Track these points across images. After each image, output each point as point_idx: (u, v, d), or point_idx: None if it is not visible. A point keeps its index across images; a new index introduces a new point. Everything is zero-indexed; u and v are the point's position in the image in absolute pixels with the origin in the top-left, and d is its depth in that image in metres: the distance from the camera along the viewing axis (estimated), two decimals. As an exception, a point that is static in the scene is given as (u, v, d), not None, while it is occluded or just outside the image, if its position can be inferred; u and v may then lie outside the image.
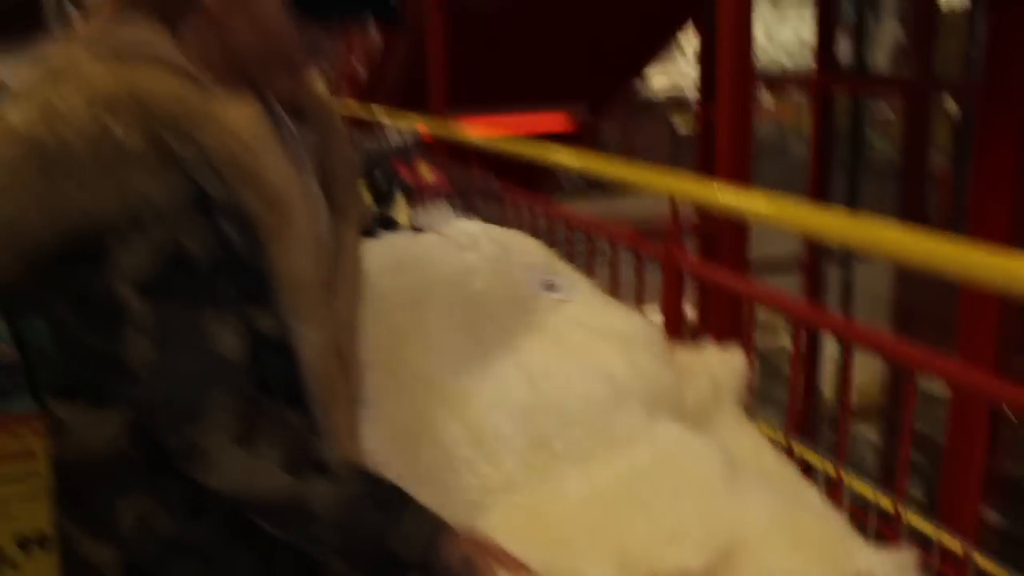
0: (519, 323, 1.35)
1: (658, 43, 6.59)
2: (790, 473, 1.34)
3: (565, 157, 2.92)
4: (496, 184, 3.12)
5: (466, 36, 5.29)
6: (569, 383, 1.26)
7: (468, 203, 3.18)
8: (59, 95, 0.87)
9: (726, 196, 2.11)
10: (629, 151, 12.33)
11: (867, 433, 6.21)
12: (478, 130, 3.86)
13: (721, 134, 2.87)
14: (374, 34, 1.03)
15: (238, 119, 0.93)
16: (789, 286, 5.11)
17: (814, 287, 5.69)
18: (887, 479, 4.61)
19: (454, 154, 3.93)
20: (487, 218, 2.88)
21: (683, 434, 1.24)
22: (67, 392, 0.99)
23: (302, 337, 0.97)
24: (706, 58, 6.29)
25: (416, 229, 2.50)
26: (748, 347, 1.73)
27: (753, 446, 1.41)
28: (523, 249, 1.52)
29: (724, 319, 2.42)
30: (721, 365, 1.51)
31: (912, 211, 5.64)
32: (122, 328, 0.89)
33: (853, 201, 6.11)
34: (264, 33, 0.96)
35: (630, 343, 1.37)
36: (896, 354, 1.65)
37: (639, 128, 13.40)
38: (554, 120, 6.64)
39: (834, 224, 1.82)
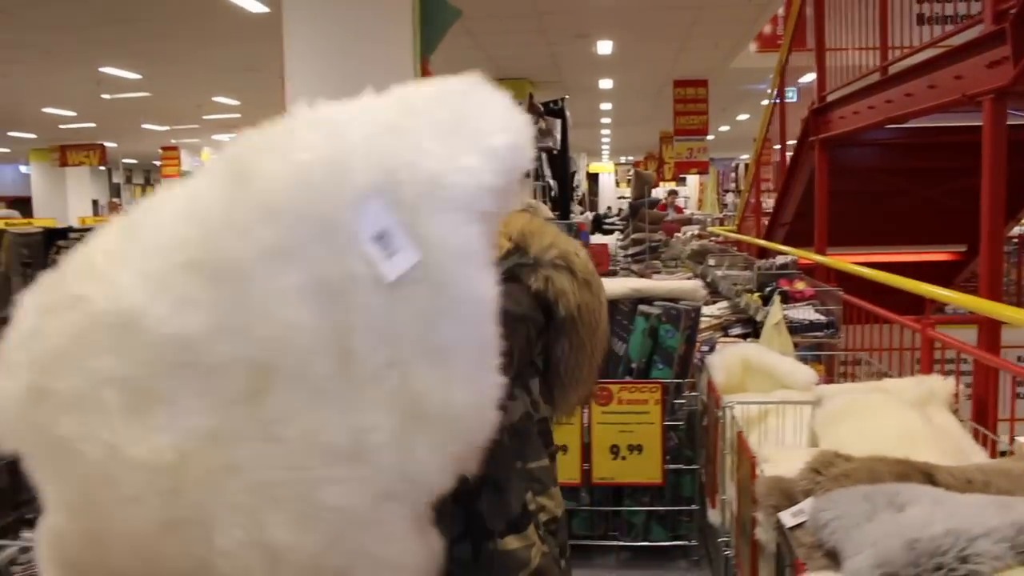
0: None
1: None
2: (953, 425, 2.62)
3: (909, 284, 4.11)
4: (839, 295, 4.43)
5: (848, 185, 6.61)
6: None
7: (827, 309, 4.56)
8: None
9: None
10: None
11: None
12: (839, 261, 5.20)
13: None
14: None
15: None
16: None
17: None
18: None
19: (830, 278, 5.31)
20: (834, 314, 4.30)
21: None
22: None
23: None
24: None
25: (790, 320, 4.06)
26: None
27: (946, 421, 2.71)
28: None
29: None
30: (938, 383, 2.83)
31: None
32: None
33: None
34: None
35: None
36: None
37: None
38: (933, 256, 7.60)
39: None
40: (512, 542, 1.42)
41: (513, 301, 1.30)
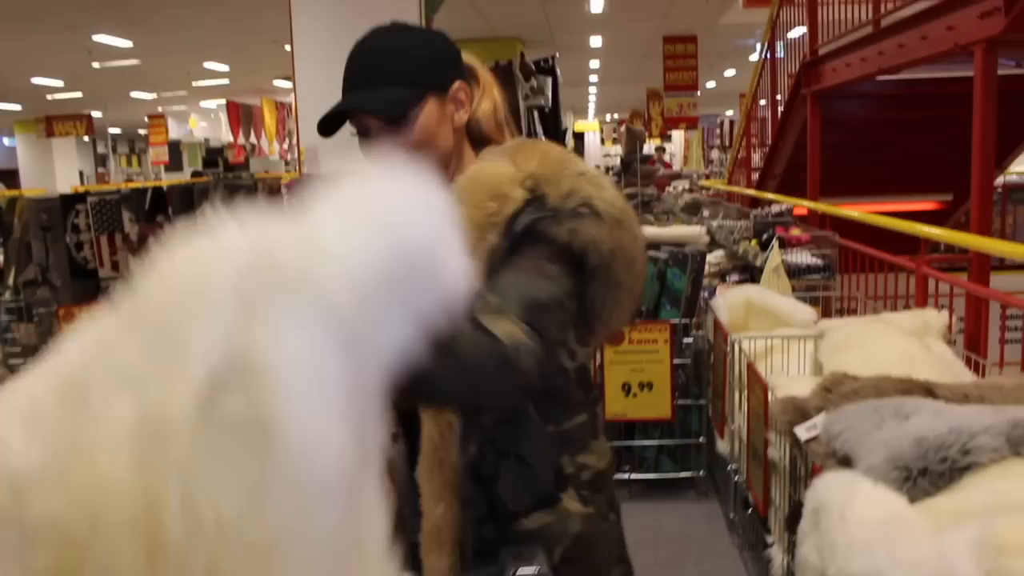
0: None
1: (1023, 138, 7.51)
2: (947, 353, 2.82)
3: (902, 225, 4.34)
4: (835, 240, 4.64)
5: (838, 137, 6.79)
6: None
7: (822, 253, 4.76)
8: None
9: None
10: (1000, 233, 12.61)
11: None
12: (833, 207, 5.39)
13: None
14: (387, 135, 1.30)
15: None
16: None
17: None
18: None
19: (823, 224, 5.50)
20: (829, 258, 4.50)
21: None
22: None
23: None
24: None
25: (788, 264, 4.24)
26: None
27: (942, 349, 2.91)
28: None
29: None
30: (933, 315, 3.03)
31: None
32: None
33: None
34: None
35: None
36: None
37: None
38: (920, 205, 7.81)
39: None
40: (541, 518, 1.32)
41: (542, 277, 1.20)
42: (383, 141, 1.31)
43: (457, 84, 1.36)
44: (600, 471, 1.42)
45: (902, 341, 2.74)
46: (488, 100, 1.43)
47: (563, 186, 1.23)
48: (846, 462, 1.98)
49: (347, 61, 1.35)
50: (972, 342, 3.32)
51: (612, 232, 1.24)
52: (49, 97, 17.89)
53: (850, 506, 1.55)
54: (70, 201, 4.43)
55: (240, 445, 0.69)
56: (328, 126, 1.32)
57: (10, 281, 4.49)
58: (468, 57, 1.43)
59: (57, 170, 23.46)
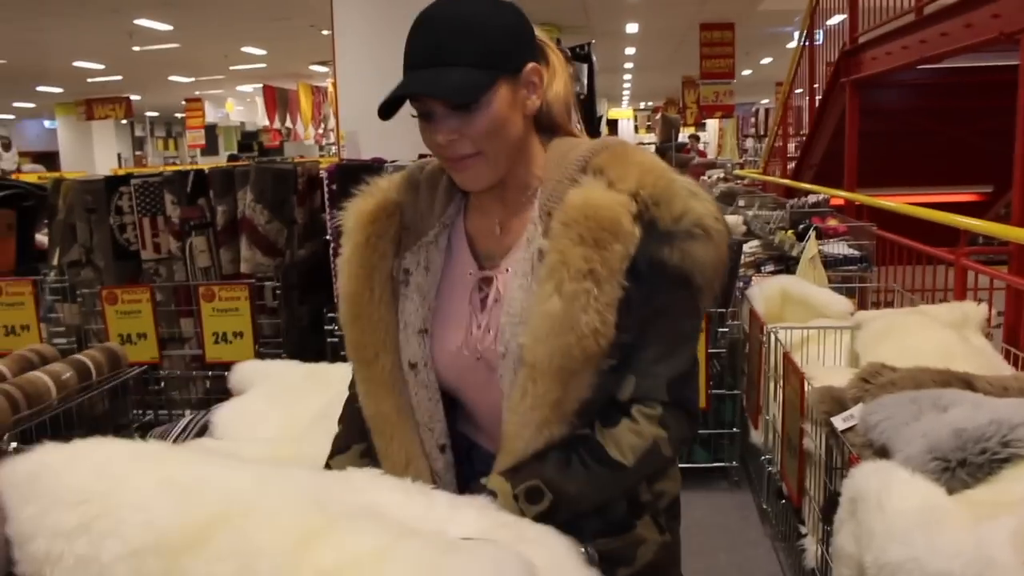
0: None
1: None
2: (986, 346, 2.80)
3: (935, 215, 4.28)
4: (872, 231, 4.60)
5: (877, 126, 6.73)
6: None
7: (860, 244, 4.72)
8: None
9: None
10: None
11: None
12: (871, 198, 5.35)
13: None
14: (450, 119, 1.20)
15: None
16: None
17: None
18: None
19: (861, 215, 5.46)
20: (867, 249, 4.47)
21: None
22: None
23: None
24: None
25: (824, 254, 4.21)
26: None
27: (980, 342, 2.89)
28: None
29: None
30: (972, 307, 3.00)
31: None
32: None
33: None
34: None
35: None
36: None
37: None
38: (960, 196, 7.73)
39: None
40: (609, 543, 1.25)
41: (681, 341, 1.25)
42: (448, 127, 1.20)
43: (531, 66, 1.24)
44: (676, 496, 1.38)
45: (940, 333, 2.73)
46: (559, 82, 1.31)
47: (674, 208, 1.17)
48: (883, 453, 1.99)
49: (411, 33, 1.21)
50: (1011, 335, 3.29)
51: (718, 250, 1.19)
52: (90, 80, 18.15)
53: (888, 495, 1.56)
54: (114, 183, 4.49)
55: None
56: (388, 108, 1.21)
57: (55, 262, 4.57)
58: (538, 33, 1.31)
59: (96, 153, 23.83)
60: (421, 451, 1.33)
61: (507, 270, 1.28)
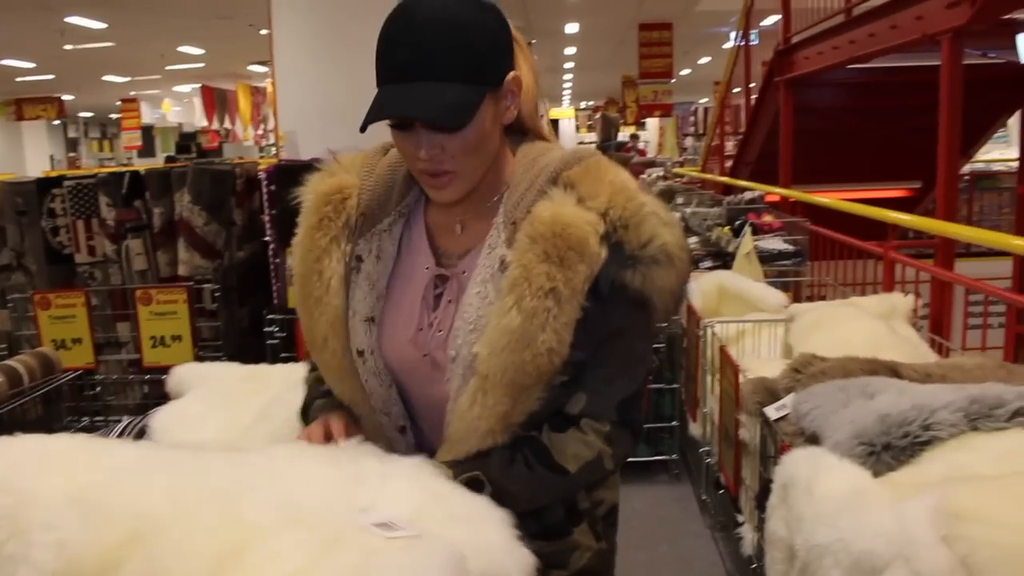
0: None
1: (989, 127, 7.65)
2: (913, 336, 2.89)
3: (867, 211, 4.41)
4: (806, 226, 4.72)
5: (810, 124, 6.88)
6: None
7: (794, 240, 4.84)
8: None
9: None
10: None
11: None
12: (805, 194, 5.48)
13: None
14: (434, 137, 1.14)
15: None
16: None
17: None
18: None
19: (795, 211, 5.58)
20: (801, 244, 4.58)
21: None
22: None
23: None
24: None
25: (760, 250, 4.30)
26: None
27: (907, 332, 2.99)
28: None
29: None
30: (899, 299, 3.11)
31: None
32: None
33: None
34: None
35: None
36: None
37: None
38: (890, 192, 7.93)
39: None
40: (542, 546, 1.19)
41: (632, 363, 1.27)
42: (432, 143, 1.16)
43: (512, 76, 1.20)
44: (614, 504, 1.39)
45: (869, 324, 2.81)
46: (528, 79, 1.25)
47: (642, 233, 1.17)
48: (814, 440, 2.05)
49: (392, 32, 1.13)
50: (936, 326, 3.41)
51: (679, 277, 1.20)
52: (19, 79, 17.66)
53: (816, 480, 1.61)
54: (46, 185, 4.40)
55: None
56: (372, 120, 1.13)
57: (-16, 266, 4.46)
58: (514, 32, 1.24)
59: (27, 154, 23.20)
60: (381, 433, 1.32)
61: (464, 272, 1.26)
